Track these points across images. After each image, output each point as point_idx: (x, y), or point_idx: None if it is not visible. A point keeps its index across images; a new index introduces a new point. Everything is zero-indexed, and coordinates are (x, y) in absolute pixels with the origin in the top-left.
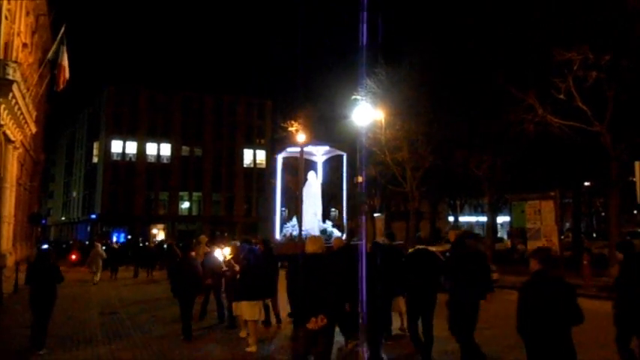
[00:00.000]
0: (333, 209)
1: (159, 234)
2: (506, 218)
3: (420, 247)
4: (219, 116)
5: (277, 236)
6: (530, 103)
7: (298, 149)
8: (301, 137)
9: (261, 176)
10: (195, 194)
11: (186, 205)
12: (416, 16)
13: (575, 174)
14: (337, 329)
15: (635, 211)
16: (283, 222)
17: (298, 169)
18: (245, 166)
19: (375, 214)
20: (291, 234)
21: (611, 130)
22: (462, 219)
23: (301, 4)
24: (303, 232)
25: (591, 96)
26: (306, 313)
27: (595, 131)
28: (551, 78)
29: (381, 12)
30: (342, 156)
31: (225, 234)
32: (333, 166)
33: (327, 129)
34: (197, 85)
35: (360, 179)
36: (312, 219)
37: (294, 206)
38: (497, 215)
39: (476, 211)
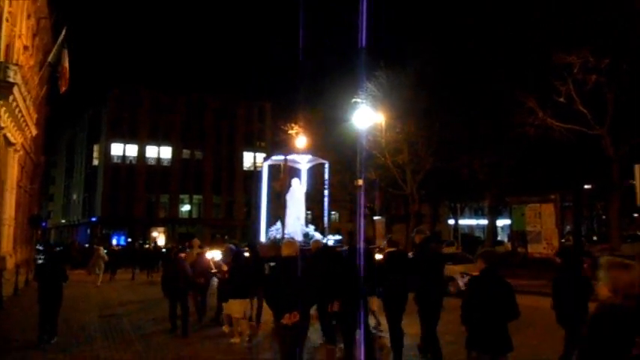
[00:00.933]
0: (308, 211)
1: (159, 237)
2: (507, 221)
3: (392, 249)
4: (220, 119)
5: (262, 239)
6: (530, 107)
7: (283, 157)
8: (301, 140)
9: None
10: (195, 197)
11: (186, 208)
12: (416, 19)
13: (575, 177)
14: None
15: (635, 214)
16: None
17: (282, 176)
18: (245, 169)
19: (375, 217)
20: (274, 237)
21: (612, 133)
22: (463, 222)
23: (302, 7)
24: (286, 236)
25: (591, 99)
26: (281, 311)
27: (595, 134)
28: (552, 81)
29: (382, 15)
30: (331, 164)
31: (226, 237)
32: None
33: (327, 132)
34: (198, 88)
35: (360, 182)
36: (295, 223)
37: (275, 211)
38: (497, 218)
39: (476, 214)
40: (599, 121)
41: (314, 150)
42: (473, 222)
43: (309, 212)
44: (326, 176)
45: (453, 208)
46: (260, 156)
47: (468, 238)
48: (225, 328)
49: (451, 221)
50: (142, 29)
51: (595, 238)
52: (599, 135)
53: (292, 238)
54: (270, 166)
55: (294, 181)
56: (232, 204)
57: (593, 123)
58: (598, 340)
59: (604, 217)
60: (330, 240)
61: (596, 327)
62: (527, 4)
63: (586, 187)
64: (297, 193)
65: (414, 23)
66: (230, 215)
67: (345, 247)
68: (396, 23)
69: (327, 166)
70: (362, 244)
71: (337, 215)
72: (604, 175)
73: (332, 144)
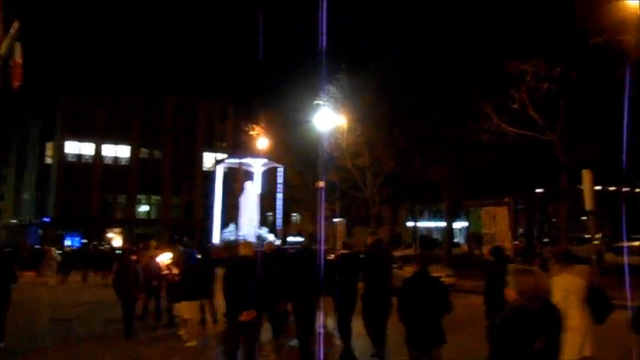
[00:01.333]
0: (269, 214)
1: (115, 238)
2: (465, 224)
3: (345, 251)
4: (180, 118)
5: (215, 241)
6: (486, 112)
7: (237, 161)
8: (263, 142)
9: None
10: (154, 197)
11: (144, 208)
12: (378, 24)
13: (528, 181)
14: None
15: (583, 218)
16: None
17: (235, 179)
18: (205, 169)
19: (336, 219)
20: (228, 239)
21: (562, 139)
22: (422, 224)
23: (263, 7)
24: (239, 237)
25: (544, 106)
26: (239, 309)
27: (547, 140)
28: (507, 88)
29: (345, 18)
30: (288, 168)
31: (185, 238)
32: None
33: (289, 133)
34: (158, 85)
35: (321, 184)
36: (249, 225)
37: (233, 213)
38: (455, 221)
39: (435, 217)
40: (551, 127)
41: (276, 151)
42: (432, 224)
43: (270, 214)
44: (280, 180)
45: (413, 211)
46: (221, 157)
47: (426, 240)
48: (181, 331)
49: (410, 223)
50: (101, 23)
51: (546, 240)
52: (551, 141)
53: (247, 240)
54: (226, 169)
55: (248, 184)
56: (192, 205)
57: (545, 129)
58: (507, 337)
59: (554, 220)
60: (278, 241)
61: (505, 326)
62: (483, 16)
63: (538, 191)
64: (250, 195)
65: (376, 28)
66: (189, 216)
67: (295, 249)
68: (358, 26)
69: (280, 170)
70: (321, 246)
71: (299, 217)
72: (555, 180)
73: (294, 145)
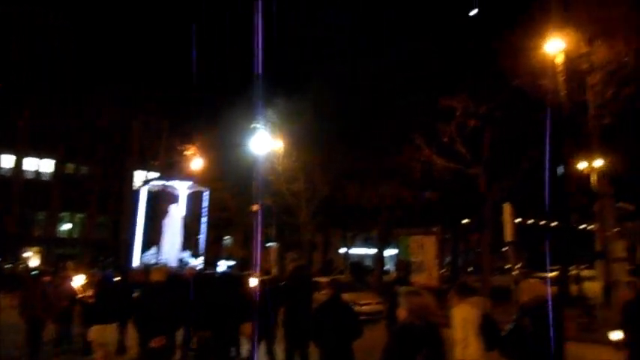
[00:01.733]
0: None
1: (33, 257)
2: (395, 251)
3: (265, 277)
4: (112, 133)
5: (136, 264)
6: (418, 144)
7: (162, 182)
8: (197, 162)
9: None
10: (78, 215)
11: (66, 226)
12: (317, 48)
13: (455, 212)
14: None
15: (505, 249)
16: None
17: (160, 201)
18: (135, 188)
19: (269, 244)
20: (148, 262)
21: (486, 173)
22: (354, 251)
23: (193, 31)
24: (161, 261)
25: (471, 141)
26: (149, 335)
27: (473, 173)
28: (437, 122)
29: (283, 43)
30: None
31: (110, 259)
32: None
33: (225, 155)
34: (89, 98)
35: (255, 208)
36: (172, 248)
37: (157, 235)
38: (386, 248)
39: (367, 244)
40: (476, 161)
41: (210, 172)
42: (363, 251)
43: (198, 237)
44: (205, 204)
45: (345, 237)
46: (153, 175)
47: (357, 266)
48: (97, 357)
49: (342, 250)
50: (34, 28)
51: (471, 269)
52: (476, 173)
53: (164, 264)
54: (150, 191)
55: (173, 207)
56: (119, 224)
57: (471, 162)
58: (395, 350)
59: (478, 250)
60: (200, 266)
61: (393, 340)
62: (417, 51)
63: (464, 221)
64: (174, 218)
65: (314, 52)
66: (116, 236)
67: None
68: (297, 50)
69: (206, 194)
70: (258, 272)
71: (231, 240)
72: (479, 212)
73: (230, 167)
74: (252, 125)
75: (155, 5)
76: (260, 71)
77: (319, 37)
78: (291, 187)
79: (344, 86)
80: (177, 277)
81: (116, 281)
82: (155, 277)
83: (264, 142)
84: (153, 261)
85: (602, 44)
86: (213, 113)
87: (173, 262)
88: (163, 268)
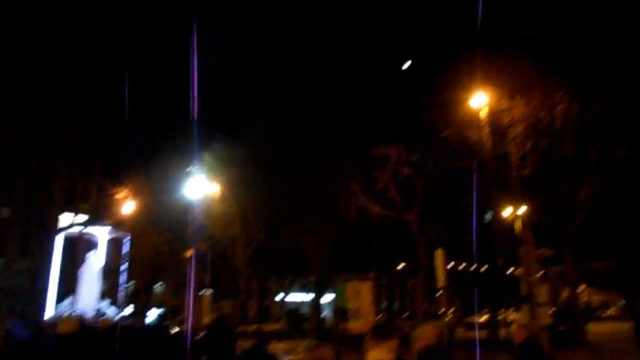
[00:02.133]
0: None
1: None
2: (333, 296)
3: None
4: (37, 172)
5: (49, 315)
6: (353, 190)
7: (79, 229)
8: (129, 206)
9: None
10: None
11: None
12: (253, 94)
13: (390, 257)
14: None
15: (438, 294)
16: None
17: (76, 249)
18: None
19: (202, 292)
20: (63, 313)
21: (419, 219)
22: (291, 298)
23: (127, 70)
24: (77, 311)
25: (404, 188)
26: None
27: (406, 219)
28: (372, 171)
29: (223, 87)
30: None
31: (18, 308)
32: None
33: (159, 198)
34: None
35: (189, 254)
36: (89, 298)
37: (74, 284)
38: (323, 294)
39: (304, 289)
40: (410, 207)
41: (143, 216)
42: (301, 297)
43: (130, 284)
44: (125, 249)
45: (282, 284)
46: (81, 218)
47: (294, 313)
48: None
49: (279, 296)
50: None
51: (407, 313)
52: (409, 220)
53: (78, 315)
54: (68, 237)
55: (91, 254)
56: (41, 271)
57: (403, 209)
58: None
59: (414, 294)
60: (118, 316)
61: None
62: (353, 102)
63: (399, 267)
64: (92, 266)
65: (249, 99)
66: (36, 284)
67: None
68: (233, 95)
69: (127, 240)
70: (188, 320)
71: (163, 287)
72: (413, 257)
73: (163, 211)
74: (188, 169)
75: (92, 46)
76: (196, 117)
77: (259, 81)
78: (227, 231)
79: (280, 131)
80: (88, 329)
81: (25, 334)
82: (63, 328)
83: (200, 186)
84: (67, 312)
85: (520, 100)
86: (147, 155)
87: (90, 313)
88: (73, 319)
